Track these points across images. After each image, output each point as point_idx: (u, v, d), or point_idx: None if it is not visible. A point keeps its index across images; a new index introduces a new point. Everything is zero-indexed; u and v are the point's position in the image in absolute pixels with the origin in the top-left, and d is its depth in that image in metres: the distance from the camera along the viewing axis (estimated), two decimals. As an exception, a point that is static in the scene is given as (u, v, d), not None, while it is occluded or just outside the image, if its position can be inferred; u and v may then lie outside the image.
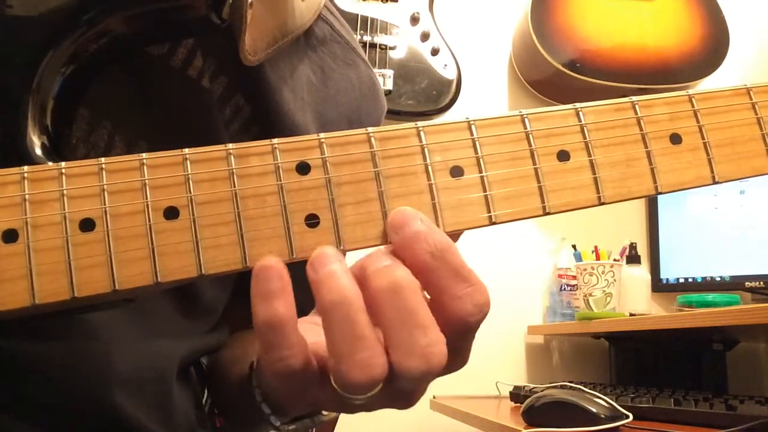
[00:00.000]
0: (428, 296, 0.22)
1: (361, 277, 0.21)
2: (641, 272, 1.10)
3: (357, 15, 1.10)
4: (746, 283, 1.00)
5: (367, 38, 1.09)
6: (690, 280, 1.10)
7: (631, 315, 1.00)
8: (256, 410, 0.28)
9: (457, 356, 0.23)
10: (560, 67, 1.11)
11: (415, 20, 1.13)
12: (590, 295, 1.06)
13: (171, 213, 0.22)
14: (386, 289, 0.20)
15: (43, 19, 0.25)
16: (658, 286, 1.13)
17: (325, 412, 0.29)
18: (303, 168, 0.22)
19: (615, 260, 1.08)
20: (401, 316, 0.20)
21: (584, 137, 0.23)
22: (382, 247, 0.22)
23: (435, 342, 0.20)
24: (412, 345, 0.20)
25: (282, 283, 0.20)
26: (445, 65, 1.12)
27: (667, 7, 1.17)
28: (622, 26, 1.15)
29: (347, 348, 0.20)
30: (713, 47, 1.15)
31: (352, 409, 0.23)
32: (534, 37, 1.12)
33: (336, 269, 0.20)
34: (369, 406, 0.23)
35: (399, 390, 0.22)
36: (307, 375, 0.21)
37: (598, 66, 1.13)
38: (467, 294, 0.21)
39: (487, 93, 1.23)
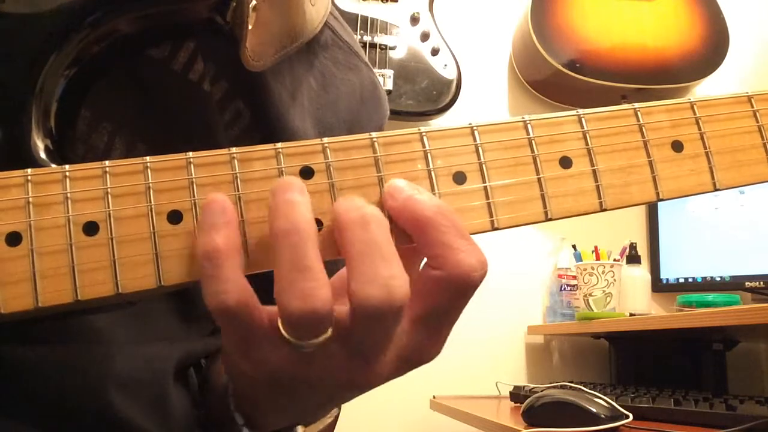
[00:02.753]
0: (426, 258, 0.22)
1: (331, 222, 0.21)
2: (641, 272, 1.10)
3: (357, 15, 1.10)
4: (746, 283, 1.00)
5: (367, 38, 1.09)
6: (690, 280, 1.10)
7: (631, 315, 1.00)
8: (232, 422, 0.28)
9: (438, 331, 0.22)
10: (560, 67, 1.11)
11: (415, 20, 1.13)
12: (590, 295, 1.06)
13: (175, 217, 0.22)
14: (354, 221, 0.20)
15: (45, 22, 0.25)
16: (658, 286, 1.13)
17: (300, 429, 0.29)
18: (307, 172, 0.22)
19: (615, 260, 1.08)
20: (366, 247, 0.20)
21: (587, 144, 0.24)
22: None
23: (397, 275, 0.20)
24: (374, 274, 0.20)
25: (225, 217, 0.20)
26: (445, 65, 1.12)
27: (667, 7, 1.17)
28: (622, 26, 1.15)
29: (292, 276, 0.20)
30: (713, 47, 1.15)
31: (310, 379, 0.22)
32: (534, 37, 1.12)
33: (295, 199, 0.20)
34: (326, 373, 0.22)
35: (353, 341, 0.21)
36: (246, 317, 0.21)
37: (598, 66, 1.13)
38: (471, 249, 0.21)
39: (487, 93, 1.23)
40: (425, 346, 0.23)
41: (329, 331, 0.21)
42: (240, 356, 0.23)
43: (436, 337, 0.23)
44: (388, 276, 0.20)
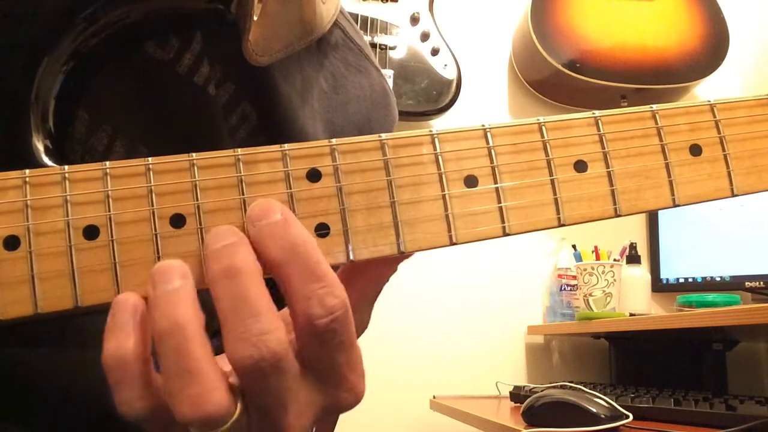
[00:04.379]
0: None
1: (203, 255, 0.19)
2: (641, 272, 1.10)
3: (357, 15, 1.09)
4: (746, 283, 1.01)
5: (367, 38, 1.09)
6: (690, 280, 1.10)
7: (631, 315, 1.00)
8: None
9: (334, 377, 0.21)
10: (560, 67, 1.11)
11: (415, 20, 1.12)
12: (590, 295, 1.06)
13: (177, 221, 0.22)
14: (219, 274, 0.19)
15: (40, 18, 0.24)
16: (658, 286, 1.13)
17: None
18: (314, 175, 0.22)
19: (615, 260, 1.08)
20: (234, 302, 0.19)
21: (603, 147, 0.23)
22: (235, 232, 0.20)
23: (268, 330, 0.19)
24: (244, 332, 0.19)
25: (135, 319, 0.19)
26: (445, 65, 1.11)
27: (667, 7, 1.17)
28: (622, 26, 1.15)
29: (178, 382, 0.19)
30: (713, 47, 1.15)
31: None
32: (534, 37, 1.11)
33: (174, 288, 0.19)
34: None
35: (250, 400, 0.20)
36: (158, 417, 0.20)
37: (598, 66, 1.12)
38: (316, 294, 0.19)
39: (487, 93, 1.23)
40: (330, 395, 0.21)
41: (236, 412, 0.19)
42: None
43: (337, 383, 0.21)
44: (258, 333, 0.19)
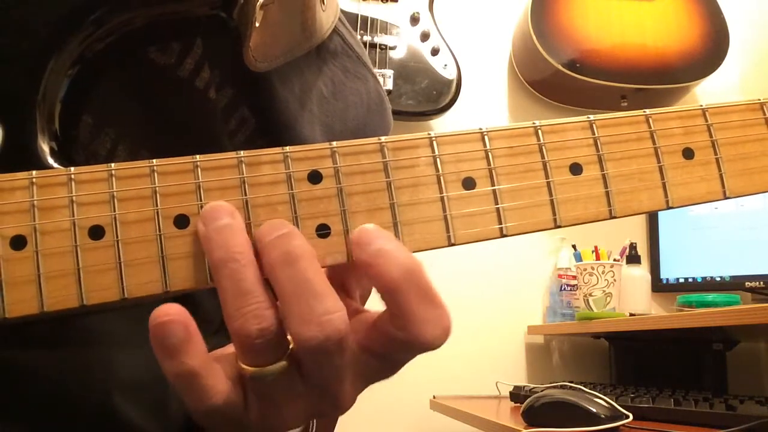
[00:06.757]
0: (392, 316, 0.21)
1: (256, 249, 0.21)
2: (641, 272, 1.10)
3: (357, 15, 1.09)
4: (746, 283, 1.01)
5: (367, 38, 1.09)
6: (690, 280, 1.10)
7: (631, 315, 1.00)
8: None
9: (391, 368, 0.23)
10: (560, 67, 1.11)
11: (415, 20, 1.12)
12: (590, 295, 1.06)
13: (181, 221, 0.22)
14: (280, 261, 0.20)
15: (47, 22, 0.25)
16: (658, 286, 1.14)
17: None
18: (315, 177, 0.22)
19: (615, 260, 1.08)
20: (296, 286, 0.20)
21: (597, 150, 0.23)
22: (277, 221, 0.21)
23: (332, 309, 0.20)
24: (309, 314, 0.20)
25: (186, 332, 0.20)
26: (445, 65, 1.12)
27: (667, 7, 1.17)
28: (622, 26, 1.15)
29: (237, 303, 0.20)
30: (713, 47, 1.15)
31: (276, 411, 0.22)
32: (534, 37, 1.12)
33: (226, 224, 0.21)
34: (292, 411, 0.22)
35: (308, 374, 0.21)
36: (231, 404, 0.21)
37: (598, 66, 1.13)
38: (436, 317, 0.21)
39: (487, 93, 1.23)
40: (383, 372, 0.23)
41: (284, 361, 0.21)
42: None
43: (392, 366, 0.23)
44: (322, 313, 0.20)
